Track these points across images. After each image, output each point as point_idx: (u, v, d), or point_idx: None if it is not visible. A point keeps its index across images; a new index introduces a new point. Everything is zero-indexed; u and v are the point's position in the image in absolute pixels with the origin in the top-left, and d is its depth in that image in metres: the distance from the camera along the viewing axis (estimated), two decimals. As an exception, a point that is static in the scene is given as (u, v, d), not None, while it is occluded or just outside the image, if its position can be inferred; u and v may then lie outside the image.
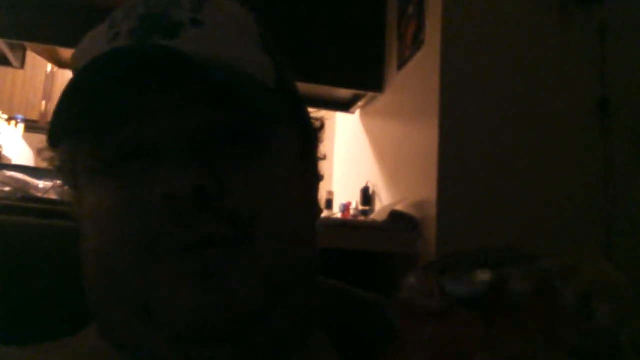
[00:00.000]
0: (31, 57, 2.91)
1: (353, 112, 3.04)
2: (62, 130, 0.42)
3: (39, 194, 1.67)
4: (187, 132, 0.42)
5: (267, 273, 0.42)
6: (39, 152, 0.50)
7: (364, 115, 2.97)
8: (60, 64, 2.81)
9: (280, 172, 0.46)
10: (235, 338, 0.41)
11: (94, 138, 0.43)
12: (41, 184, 1.79)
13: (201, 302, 0.39)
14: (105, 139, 0.43)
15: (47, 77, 4.03)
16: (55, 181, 1.98)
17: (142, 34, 0.44)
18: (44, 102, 4.00)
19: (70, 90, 0.40)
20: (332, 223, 2.12)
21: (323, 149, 0.56)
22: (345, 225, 2.13)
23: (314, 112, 0.56)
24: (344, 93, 2.87)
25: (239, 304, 0.40)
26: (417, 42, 2.26)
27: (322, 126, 0.55)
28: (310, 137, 0.54)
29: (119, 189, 0.42)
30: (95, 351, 0.46)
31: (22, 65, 2.76)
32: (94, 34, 0.48)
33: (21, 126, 3.60)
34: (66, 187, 0.50)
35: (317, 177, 0.55)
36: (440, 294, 0.36)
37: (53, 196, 1.67)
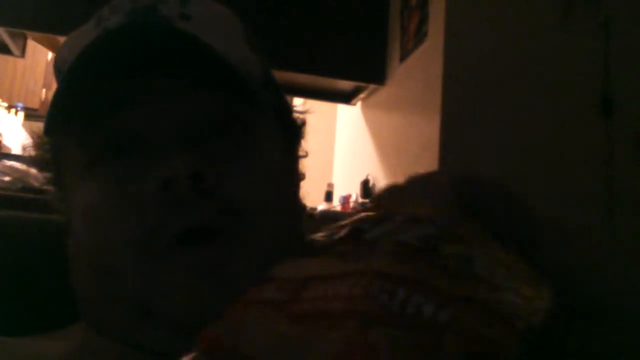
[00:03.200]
0: (32, 45, 2.89)
1: (354, 104, 3.03)
2: (55, 120, 0.42)
3: (39, 184, 1.66)
4: (183, 118, 0.42)
5: (263, 262, 0.41)
6: (23, 149, 0.50)
7: (365, 107, 2.96)
8: (61, 52, 2.80)
9: (271, 163, 0.46)
10: None
11: (84, 128, 0.42)
12: (42, 174, 1.78)
13: (201, 293, 0.39)
14: (96, 128, 0.42)
15: (47, 65, 4.02)
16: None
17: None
18: (44, 90, 4.00)
19: (67, 79, 0.40)
20: (332, 216, 2.12)
21: (305, 145, 0.56)
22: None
23: (307, 105, 0.56)
24: (345, 85, 2.87)
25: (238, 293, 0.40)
26: (420, 35, 2.25)
27: (304, 123, 0.56)
28: (293, 133, 0.54)
29: (111, 182, 0.42)
30: (83, 342, 0.46)
31: (23, 53, 2.75)
32: (79, 32, 0.48)
33: (21, 114, 3.59)
34: (50, 184, 0.50)
35: (299, 175, 0.55)
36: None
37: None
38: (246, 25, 0.52)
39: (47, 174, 0.49)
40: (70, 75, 0.40)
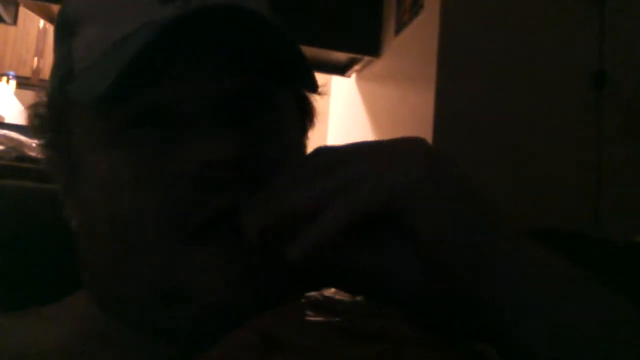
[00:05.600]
0: (23, 12, 2.86)
1: (349, 76, 3.01)
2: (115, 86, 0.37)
3: (33, 154, 1.65)
4: (221, 94, 0.40)
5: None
6: (29, 108, 0.46)
7: (360, 79, 2.95)
8: (53, 20, 2.77)
9: (296, 143, 0.46)
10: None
11: (117, 95, 0.39)
12: (35, 142, 1.77)
13: (228, 277, 0.38)
14: (130, 97, 0.39)
15: (39, 33, 3.97)
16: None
17: None
18: (36, 59, 3.95)
19: (142, 51, 0.36)
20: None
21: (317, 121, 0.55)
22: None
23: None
24: (340, 56, 2.84)
25: (274, 282, 0.39)
26: (416, 7, 2.23)
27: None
28: (309, 110, 0.53)
29: (142, 154, 0.39)
30: (84, 322, 0.44)
31: (15, 21, 2.72)
32: None
33: (13, 83, 3.55)
34: (49, 148, 0.47)
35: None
36: None
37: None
38: None
39: (48, 135, 0.46)
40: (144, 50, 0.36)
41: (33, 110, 0.47)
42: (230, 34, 0.39)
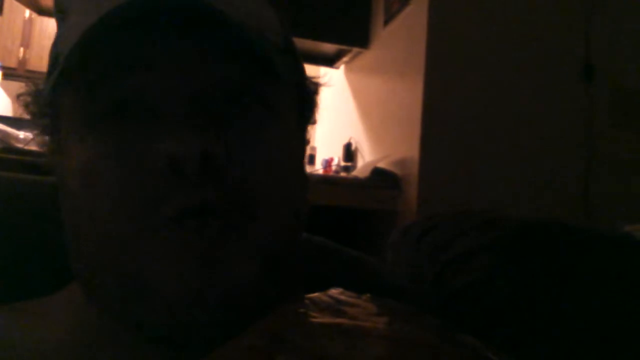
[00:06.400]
0: (8, 2, 2.83)
1: (337, 68, 3.01)
2: (69, 71, 0.38)
3: (20, 145, 1.64)
4: (198, 88, 0.39)
5: (266, 250, 0.40)
6: (18, 97, 0.46)
7: (348, 71, 2.95)
8: (39, 10, 2.74)
9: (285, 141, 0.44)
10: (225, 319, 0.39)
11: (93, 83, 0.39)
12: (21, 134, 1.76)
13: (191, 272, 0.37)
14: (105, 86, 0.39)
15: (25, 23, 3.93)
16: (35, 132, 1.94)
17: None
18: (22, 49, 3.91)
19: (88, 33, 0.36)
20: (314, 179, 2.13)
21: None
22: (327, 181, 2.14)
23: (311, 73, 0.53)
24: (329, 48, 2.84)
25: (236, 280, 0.38)
26: (404, -2, 2.23)
27: (317, 91, 0.53)
28: (309, 101, 0.52)
29: (115, 145, 0.39)
30: (80, 320, 0.44)
31: (0, 11, 2.68)
32: None
33: (-1, 74, 3.52)
34: (43, 137, 0.47)
35: (306, 144, 0.53)
36: None
37: (34, 147, 1.65)
38: None
39: (42, 127, 0.46)
40: (92, 29, 0.37)
41: (31, 97, 0.46)
42: (197, 26, 0.39)
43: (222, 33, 0.39)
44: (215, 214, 0.38)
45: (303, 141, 0.52)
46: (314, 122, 0.54)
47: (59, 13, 0.45)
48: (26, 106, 0.46)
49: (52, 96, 0.43)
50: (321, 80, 0.53)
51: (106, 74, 0.39)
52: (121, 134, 0.39)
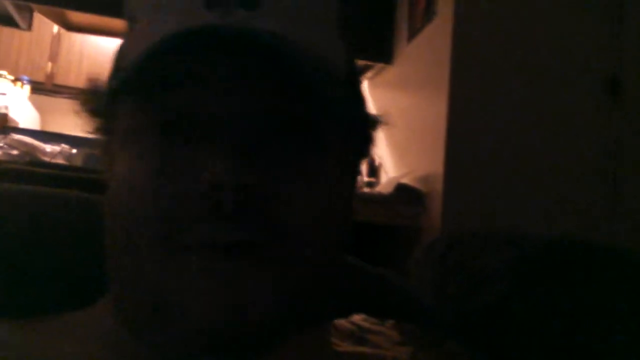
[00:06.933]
0: (38, 18, 2.88)
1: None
2: (130, 83, 0.39)
3: (47, 158, 1.66)
4: (247, 114, 0.39)
5: (295, 289, 0.39)
6: (78, 94, 0.46)
7: (372, 86, 2.95)
8: (67, 26, 2.79)
9: (332, 182, 0.42)
10: (247, 349, 0.38)
11: (150, 96, 0.39)
12: (48, 147, 1.78)
13: (215, 302, 0.37)
14: (161, 100, 0.39)
15: (53, 38, 4.00)
16: (62, 145, 1.98)
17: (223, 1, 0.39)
18: (50, 64, 3.98)
19: (151, 51, 0.36)
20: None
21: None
22: (351, 197, 2.12)
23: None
24: (353, 63, 2.84)
25: (261, 314, 0.38)
26: (429, 13, 2.23)
27: (375, 127, 0.51)
28: (366, 137, 0.50)
29: (155, 158, 0.39)
30: (107, 336, 0.43)
31: (29, 26, 2.74)
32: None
33: (27, 87, 3.58)
34: (100, 149, 0.47)
35: (357, 179, 0.51)
36: None
37: (61, 161, 1.67)
38: (342, 5, 0.47)
39: (97, 127, 0.46)
40: (154, 48, 0.36)
41: (90, 96, 0.46)
42: (253, 55, 0.38)
43: (278, 63, 0.38)
44: (247, 251, 0.37)
45: (354, 176, 0.50)
46: (367, 157, 0.51)
47: (129, 19, 0.45)
48: (84, 104, 0.46)
49: (110, 99, 0.43)
50: (381, 119, 0.50)
51: (163, 87, 0.39)
52: (167, 150, 0.39)
